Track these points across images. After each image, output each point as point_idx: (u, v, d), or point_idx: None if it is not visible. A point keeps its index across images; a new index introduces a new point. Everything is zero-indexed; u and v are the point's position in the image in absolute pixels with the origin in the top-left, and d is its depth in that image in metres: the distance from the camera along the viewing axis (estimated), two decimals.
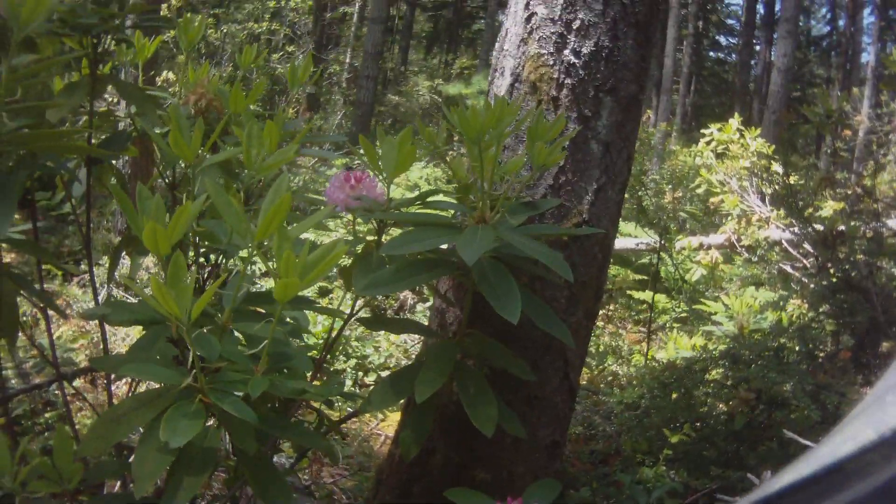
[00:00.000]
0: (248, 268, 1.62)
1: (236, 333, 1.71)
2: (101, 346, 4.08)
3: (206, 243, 1.96)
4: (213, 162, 1.80)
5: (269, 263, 1.49)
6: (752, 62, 28.57)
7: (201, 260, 2.14)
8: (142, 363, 1.52)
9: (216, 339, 1.50)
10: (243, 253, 1.61)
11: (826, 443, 0.56)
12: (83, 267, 5.93)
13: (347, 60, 20.50)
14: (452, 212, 2.18)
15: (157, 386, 1.62)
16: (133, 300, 3.30)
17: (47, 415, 3.56)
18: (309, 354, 1.81)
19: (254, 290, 1.93)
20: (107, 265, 2.51)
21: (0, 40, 1.91)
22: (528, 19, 2.46)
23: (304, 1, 18.62)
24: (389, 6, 19.72)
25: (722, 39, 35.64)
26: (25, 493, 1.62)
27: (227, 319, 1.55)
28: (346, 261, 2.03)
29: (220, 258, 2.19)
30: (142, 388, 2.97)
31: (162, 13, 5.34)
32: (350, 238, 2.00)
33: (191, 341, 1.40)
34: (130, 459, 2.72)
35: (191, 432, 1.36)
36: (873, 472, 0.48)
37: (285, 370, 1.59)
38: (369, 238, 2.02)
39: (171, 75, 7.40)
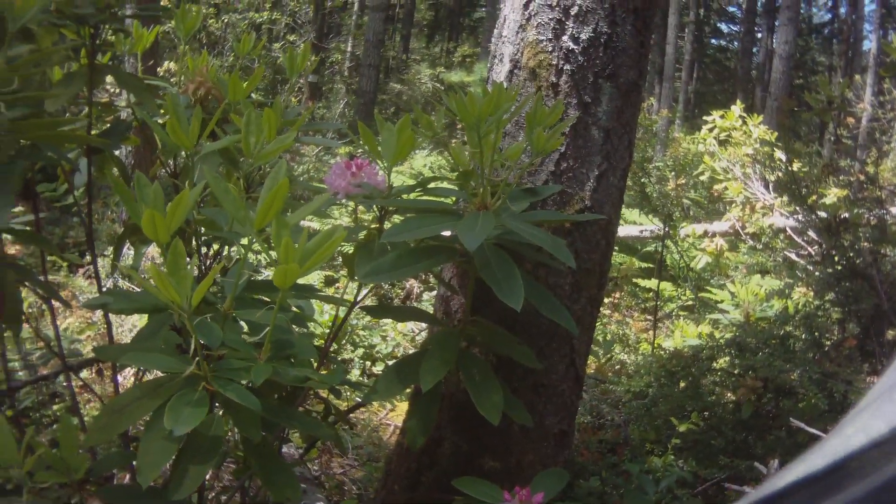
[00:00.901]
0: (254, 257, 1.62)
1: (241, 322, 1.71)
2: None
3: (207, 232, 1.95)
4: (212, 150, 1.79)
5: (271, 251, 1.49)
6: (754, 50, 28.49)
7: (203, 248, 2.13)
8: (144, 351, 1.52)
9: (218, 327, 1.49)
10: (244, 240, 1.60)
11: (832, 438, 0.55)
12: (87, 258, 5.94)
13: (349, 49, 20.34)
14: (454, 199, 2.17)
15: (162, 375, 1.61)
16: (138, 290, 3.30)
17: (55, 406, 3.55)
18: (314, 343, 1.80)
19: (260, 279, 1.92)
20: (111, 256, 2.51)
21: None
22: (525, 5, 2.46)
23: None
24: None
25: (723, 27, 35.60)
26: (32, 483, 1.61)
27: (228, 307, 1.54)
28: (351, 249, 2.02)
29: (222, 246, 2.18)
30: (147, 378, 2.97)
31: (161, 2, 5.34)
32: (353, 226, 2.00)
33: (192, 328, 1.39)
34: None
35: (195, 420, 1.35)
36: (877, 470, 0.47)
37: (290, 358, 1.58)
38: (372, 226, 2.02)
39: (172, 65, 7.36)
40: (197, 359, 1.43)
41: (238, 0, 17.39)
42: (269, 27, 16.74)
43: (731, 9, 34.39)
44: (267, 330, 1.49)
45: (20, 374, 3.29)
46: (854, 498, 0.46)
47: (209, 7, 15.20)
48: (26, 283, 2.11)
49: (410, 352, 4.92)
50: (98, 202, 6.92)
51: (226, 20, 15.68)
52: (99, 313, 4.96)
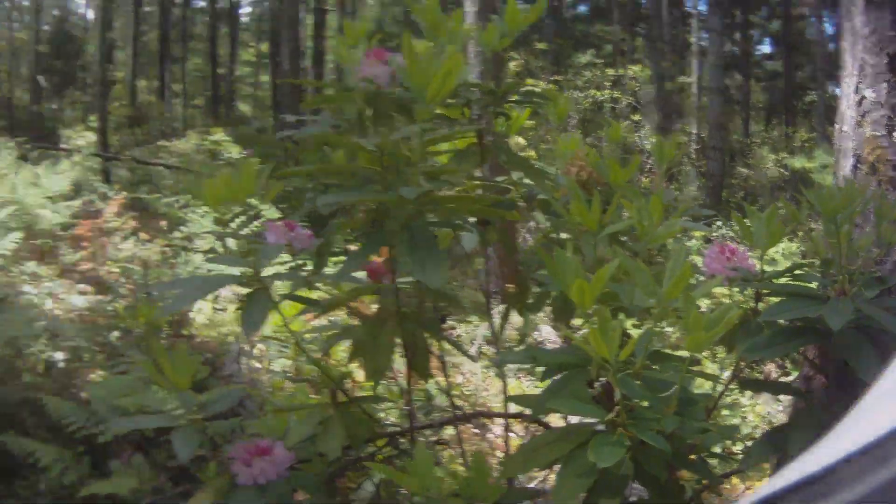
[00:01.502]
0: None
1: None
2: (472, 396, 4.39)
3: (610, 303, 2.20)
4: (612, 231, 2.07)
5: (671, 323, 1.75)
6: None
7: None
8: (568, 399, 1.80)
9: (635, 382, 1.75)
10: (652, 311, 1.84)
11: (828, 442, 0.56)
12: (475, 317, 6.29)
13: (694, 131, 19.87)
14: (815, 284, 2.35)
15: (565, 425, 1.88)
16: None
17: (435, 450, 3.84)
18: None
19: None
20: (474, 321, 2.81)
21: (379, 106, 2.18)
22: (859, 102, 2.60)
23: (643, 70, 18.77)
24: (724, 76, 19.11)
25: None
26: None
27: (640, 367, 1.81)
28: None
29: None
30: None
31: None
32: (714, 305, 2.23)
33: (617, 382, 1.68)
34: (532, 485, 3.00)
35: (615, 457, 1.61)
36: (871, 474, 0.49)
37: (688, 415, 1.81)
38: (743, 305, 2.23)
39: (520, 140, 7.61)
40: (618, 407, 1.70)
41: (578, 76, 17.81)
42: (612, 106, 16.83)
43: None
44: (675, 387, 1.74)
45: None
46: (848, 502, 0.47)
47: (548, 84, 15.39)
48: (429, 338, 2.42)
49: None
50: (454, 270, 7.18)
51: (567, 96, 15.94)
52: (466, 372, 5.38)
